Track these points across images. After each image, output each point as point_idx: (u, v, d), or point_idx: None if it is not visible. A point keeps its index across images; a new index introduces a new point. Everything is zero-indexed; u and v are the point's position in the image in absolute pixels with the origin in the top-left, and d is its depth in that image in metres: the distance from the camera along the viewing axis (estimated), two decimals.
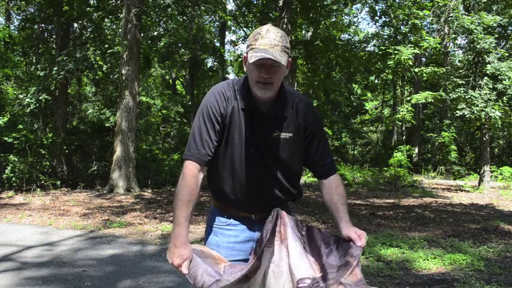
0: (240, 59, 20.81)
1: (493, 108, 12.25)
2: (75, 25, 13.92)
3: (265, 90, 1.70)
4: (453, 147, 16.68)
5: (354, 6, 22.23)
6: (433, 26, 16.66)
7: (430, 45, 13.41)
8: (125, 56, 11.46)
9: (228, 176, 1.81)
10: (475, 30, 12.54)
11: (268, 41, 1.63)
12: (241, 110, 1.77)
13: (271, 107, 1.77)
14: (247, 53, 1.69)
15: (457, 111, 12.89)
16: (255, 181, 1.80)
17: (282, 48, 1.65)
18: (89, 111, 13.36)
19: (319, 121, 1.89)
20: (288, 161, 1.82)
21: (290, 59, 1.73)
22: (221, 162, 1.81)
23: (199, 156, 1.74)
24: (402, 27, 18.79)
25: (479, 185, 14.06)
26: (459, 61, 15.27)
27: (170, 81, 26.61)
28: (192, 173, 1.72)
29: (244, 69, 1.77)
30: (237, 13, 17.20)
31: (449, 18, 13.35)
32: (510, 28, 16.13)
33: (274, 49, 1.63)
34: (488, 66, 12.46)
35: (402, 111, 15.96)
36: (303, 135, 1.83)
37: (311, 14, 15.37)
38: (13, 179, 11.13)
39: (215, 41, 22.73)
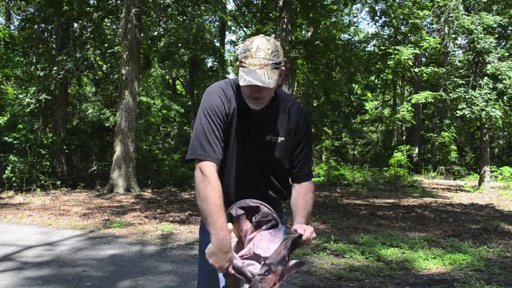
0: None
1: (494, 107, 12.25)
2: (75, 25, 13.93)
3: (256, 104, 1.73)
4: (453, 147, 16.69)
5: (354, 6, 22.26)
6: (433, 26, 16.64)
7: (430, 45, 13.41)
8: (125, 56, 11.46)
9: (222, 177, 1.82)
10: (475, 30, 12.54)
11: (258, 61, 1.63)
12: (237, 111, 1.79)
13: (265, 111, 1.80)
14: (238, 66, 1.70)
15: (457, 111, 12.89)
16: (249, 182, 1.83)
17: (272, 66, 1.65)
18: (89, 111, 13.37)
19: (309, 128, 1.93)
20: (280, 164, 1.87)
21: (283, 67, 1.73)
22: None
23: (216, 156, 1.72)
24: (402, 27, 18.78)
25: (479, 185, 14.06)
26: (459, 61, 15.26)
27: (170, 81, 26.63)
28: (215, 175, 1.69)
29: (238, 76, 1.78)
30: (237, 13, 17.21)
31: (449, 18, 13.34)
32: (510, 28, 16.13)
33: (263, 70, 1.63)
34: (489, 66, 12.46)
35: (402, 111, 15.96)
36: (292, 138, 1.87)
37: (311, 14, 15.37)
38: (13, 179, 11.13)
39: (215, 41, 22.74)
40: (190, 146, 1.76)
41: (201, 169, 1.69)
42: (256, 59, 1.64)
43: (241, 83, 1.65)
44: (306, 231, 1.65)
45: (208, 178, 1.67)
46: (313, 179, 1.98)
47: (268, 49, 1.66)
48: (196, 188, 1.69)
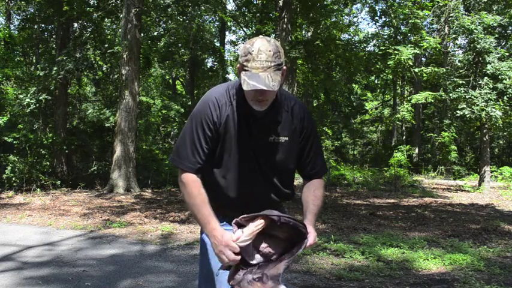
0: None
1: (494, 107, 12.24)
2: (75, 25, 13.91)
3: (261, 106, 1.72)
4: (453, 147, 16.67)
5: (354, 6, 22.29)
6: (433, 26, 16.64)
7: (430, 45, 13.39)
8: (124, 56, 11.46)
9: (224, 181, 1.83)
10: (475, 30, 12.53)
11: (260, 64, 1.62)
12: (236, 115, 1.78)
13: (266, 113, 1.78)
14: (240, 69, 1.69)
15: (458, 111, 12.88)
16: (251, 185, 1.82)
17: (275, 68, 1.64)
18: (89, 111, 13.34)
19: (314, 125, 1.92)
20: (283, 164, 1.85)
21: (285, 67, 1.73)
22: (217, 168, 1.83)
23: (189, 164, 1.77)
24: (402, 27, 18.78)
25: (479, 185, 14.06)
26: (459, 61, 15.25)
27: (170, 81, 26.62)
28: (190, 178, 1.77)
29: (238, 78, 1.77)
30: (237, 13, 17.20)
31: (450, 18, 13.33)
32: (510, 28, 16.13)
33: (266, 73, 1.62)
34: (489, 66, 12.45)
35: (402, 111, 15.95)
36: (298, 137, 1.85)
37: (311, 14, 15.35)
38: (13, 179, 11.13)
39: (215, 41, 22.74)
40: (173, 150, 1.84)
41: (181, 175, 1.79)
42: (258, 62, 1.62)
43: (245, 88, 1.64)
44: (310, 237, 1.67)
45: (185, 184, 1.77)
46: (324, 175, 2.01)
47: (270, 51, 1.64)
48: (181, 191, 1.79)
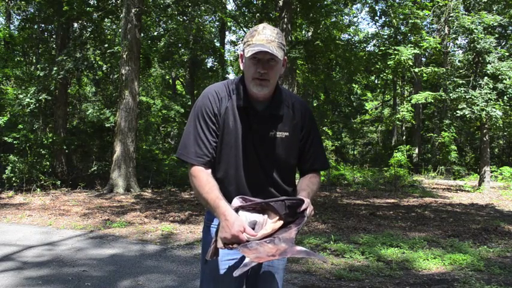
0: None
1: (494, 107, 12.25)
2: (75, 25, 13.92)
3: (261, 87, 1.72)
4: (453, 147, 16.68)
5: (354, 6, 22.26)
6: (433, 26, 16.64)
7: (430, 45, 13.39)
8: (124, 56, 11.46)
9: (224, 176, 1.82)
10: (475, 30, 12.54)
11: (265, 37, 1.68)
12: (236, 108, 1.78)
13: (266, 106, 1.79)
14: (243, 50, 1.72)
15: (458, 111, 12.89)
16: (252, 180, 1.81)
17: (278, 45, 1.69)
18: (89, 111, 13.35)
19: (315, 123, 1.93)
20: (283, 160, 1.85)
21: (286, 57, 1.76)
22: (218, 162, 1.82)
23: (197, 157, 1.76)
24: (402, 27, 18.78)
25: (479, 185, 14.06)
26: (459, 61, 15.27)
27: (170, 81, 26.63)
28: (198, 169, 1.76)
29: (241, 67, 1.80)
30: (237, 13, 17.20)
31: (450, 18, 13.34)
32: (510, 28, 16.13)
33: (270, 44, 1.67)
34: (489, 66, 12.45)
35: (402, 111, 15.96)
36: (299, 134, 1.85)
37: (311, 14, 15.36)
38: (13, 179, 11.13)
39: (215, 41, 22.74)
40: (179, 145, 1.82)
41: (189, 170, 1.78)
42: (263, 35, 1.69)
43: (248, 54, 1.67)
44: (309, 207, 1.67)
45: (194, 176, 1.75)
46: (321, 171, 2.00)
47: (274, 30, 1.72)
48: (192, 186, 1.79)
